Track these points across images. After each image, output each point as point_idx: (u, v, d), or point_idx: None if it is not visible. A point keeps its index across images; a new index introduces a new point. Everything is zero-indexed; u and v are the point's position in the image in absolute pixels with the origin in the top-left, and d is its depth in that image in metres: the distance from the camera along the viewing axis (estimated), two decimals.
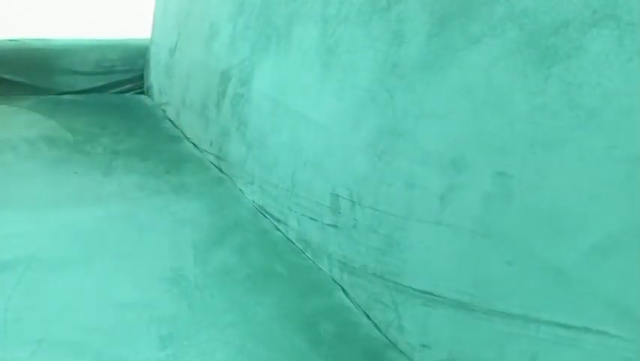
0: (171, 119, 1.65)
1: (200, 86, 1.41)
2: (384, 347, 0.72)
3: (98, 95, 1.87)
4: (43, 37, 1.85)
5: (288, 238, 0.98)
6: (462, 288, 0.62)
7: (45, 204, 1.05)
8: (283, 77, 1.02)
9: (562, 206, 0.52)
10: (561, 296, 0.52)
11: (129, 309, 0.75)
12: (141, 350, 0.68)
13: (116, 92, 1.92)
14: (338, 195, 0.83)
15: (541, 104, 0.54)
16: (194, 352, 0.68)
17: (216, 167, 1.30)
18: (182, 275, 0.84)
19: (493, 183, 0.58)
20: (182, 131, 1.55)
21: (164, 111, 1.72)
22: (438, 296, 0.65)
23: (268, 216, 1.05)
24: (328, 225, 0.86)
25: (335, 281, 0.85)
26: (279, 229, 1.01)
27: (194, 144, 1.45)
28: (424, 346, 0.67)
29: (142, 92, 1.95)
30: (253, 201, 1.11)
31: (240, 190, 1.17)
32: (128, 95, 1.93)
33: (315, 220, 0.90)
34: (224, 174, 1.25)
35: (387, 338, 0.73)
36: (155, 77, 1.82)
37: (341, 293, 0.83)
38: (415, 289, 0.69)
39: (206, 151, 1.37)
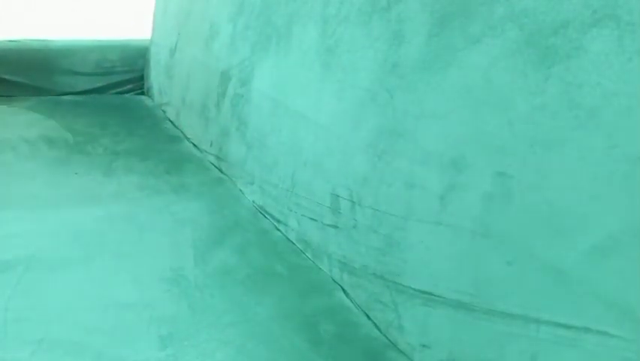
0: (171, 119, 1.65)
1: (200, 86, 1.41)
2: (384, 347, 0.72)
3: (98, 95, 1.87)
4: (43, 38, 1.85)
5: (288, 238, 0.98)
6: (462, 288, 0.62)
7: (45, 204, 1.05)
8: (283, 77, 1.02)
9: (562, 206, 0.52)
10: (561, 296, 0.52)
11: (129, 309, 0.75)
12: (141, 350, 0.68)
13: (116, 93, 1.92)
14: (338, 196, 0.83)
15: (541, 104, 0.54)
16: (194, 352, 0.68)
17: (216, 167, 1.30)
18: (182, 275, 0.84)
19: (493, 183, 0.58)
20: (182, 131, 1.55)
21: (164, 111, 1.72)
22: (438, 296, 0.65)
23: (268, 217, 1.05)
24: (328, 225, 0.86)
25: (335, 281, 0.85)
26: (279, 229, 1.01)
27: (194, 144, 1.45)
28: (424, 346, 0.67)
29: (142, 93, 1.95)
30: (253, 201, 1.11)
31: (240, 190, 1.17)
32: (128, 95, 1.93)
33: (315, 220, 0.90)
34: (224, 174, 1.25)
35: (387, 338, 0.73)
36: (155, 78, 1.82)
37: (341, 293, 0.83)
38: (415, 289, 0.69)
39: (206, 151, 1.37)
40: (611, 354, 0.48)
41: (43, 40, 1.84)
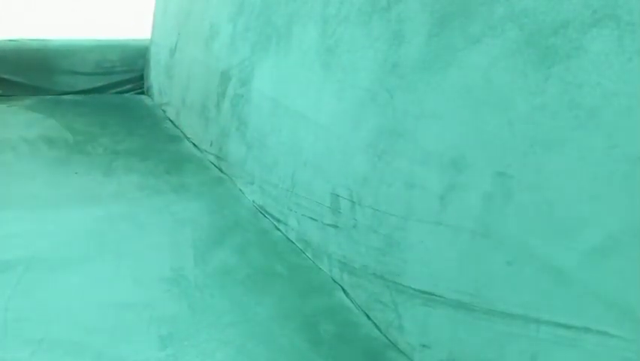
0: (171, 119, 1.65)
1: (200, 86, 1.41)
2: (384, 347, 0.72)
3: (98, 95, 1.87)
4: (43, 38, 1.85)
5: (288, 238, 0.98)
6: (462, 288, 0.62)
7: (45, 204, 1.05)
8: (283, 77, 1.02)
9: (562, 206, 0.52)
10: (561, 296, 0.52)
11: (129, 309, 0.75)
12: (141, 350, 0.68)
13: (116, 93, 1.92)
14: (338, 195, 0.83)
15: (541, 104, 0.54)
16: (194, 352, 0.68)
17: (216, 167, 1.30)
18: (182, 275, 0.84)
19: (493, 183, 0.58)
20: (182, 131, 1.55)
21: (164, 111, 1.72)
22: (438, 296, 0.65)
23: (268, 216, 1.05)
24: (328, 225, 0.86)
25: (335, 281, 0.85)
26: (279, 229, 1.01)
27: (194, 144, 1.45)
28: (424, 346, 0.67)
29: (142, 93, 1.95)
30: (253, 201, 1.11)
31: (240, 190, 1.17)
32: (128, 95, 1.93)
33: (315, 220, 0.90)
34: (224, 174, 1.25)
35: (387, 338, 0.73)
36: (155, 77, 1.82)
37: (341, 293, 0.83)
38: (415, 289, 0.69)
39: (206, 151, 1.37)
40: (611, 354, 0.48)
41: (43, 40, 1.84)
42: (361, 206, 0.78)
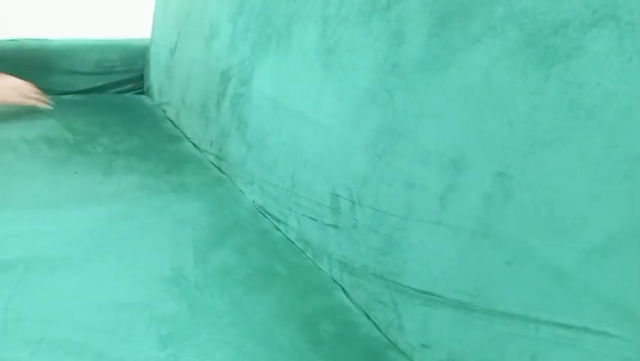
0: (171, 119, 1.65)
1: (200, 86, 1.41)
2: (384, 347, 0.72)
3: (97, 95, 1.87)
4: (42, 37, 1.85)
5: (288, 238, 0.98)
6: (462, 288, 0.62)
7: (45, 204, 1.05)
8: (283, 77, 1.02)
9: (562, 206, 0.52)
10: (561, 296, 0.52)
11: (129, 309, 0.75)
12: (141, 350, 0.68)
13: (116, 92, 1.92)
14: (338, 195, 0.83)
15: (541, 104, 0.54)
16: (194, 352, 0.68)
17: (216, 167, 1.30)
18: (182, 275, 0.84)
19: (493, 183, 0.58)
20: (182, 131, 1.55)
21: (164, 111, 1.72)
22: (438, 296, 0.65)
23: (268, 216, 1.05)
24: (328, 225, 0.86)
25: (335, 281, 0.85)
26: (279, 229, 1.01)
27: (194, 144, 1.45)
28: (424, 346, 0.67)
29: (142, 92, 1.95)
30: (253, 201, 1.11)
31: (240, 190, 1.17)
32: (128, 95, 1.93)
33: (315, 220, 0.90)
34: (224, 174, 1.25)
35: (387, 338, 0.73)
36: (155, 77, 1.82)
37: (341, 293, 0.83)
38: (415, 289, 0.69)
39: (206, 151, 1.37)
40: (611, 354, 0.48)
41: (43, 40, 1.84)
42: (361, 206, 0.78)
